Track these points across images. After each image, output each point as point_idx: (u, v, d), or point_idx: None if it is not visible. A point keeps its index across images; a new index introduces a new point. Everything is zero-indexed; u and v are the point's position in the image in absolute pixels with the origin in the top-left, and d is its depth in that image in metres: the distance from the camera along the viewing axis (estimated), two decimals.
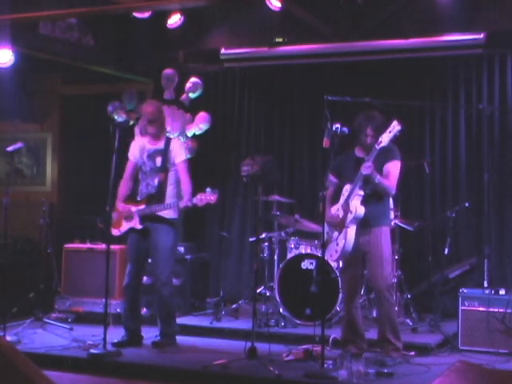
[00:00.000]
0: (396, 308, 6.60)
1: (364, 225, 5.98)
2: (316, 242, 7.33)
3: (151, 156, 6.60)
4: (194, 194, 6.29)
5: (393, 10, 7.87)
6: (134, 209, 6.52)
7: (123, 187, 6.65)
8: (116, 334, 6.63)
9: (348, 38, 8.04)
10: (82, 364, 6.05)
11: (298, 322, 7.16)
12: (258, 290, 7.22)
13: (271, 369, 5.61)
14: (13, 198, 6.99)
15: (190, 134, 8.21)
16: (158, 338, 6.61)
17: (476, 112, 7.98)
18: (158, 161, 6.56)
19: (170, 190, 6.54)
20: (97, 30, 8.34)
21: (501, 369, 5.73)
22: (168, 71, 8.32)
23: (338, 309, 7.04)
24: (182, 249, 7.95)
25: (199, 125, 8.20)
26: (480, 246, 7.68)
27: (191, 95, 8.31)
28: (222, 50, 8.63)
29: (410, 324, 7.05)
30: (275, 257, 7.63)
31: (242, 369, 5.75)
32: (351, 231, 5.94)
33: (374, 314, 7.02)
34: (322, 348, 5.60)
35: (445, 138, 8.14)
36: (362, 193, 5.93)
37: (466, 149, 8.05)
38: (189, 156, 7.25)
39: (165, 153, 6.55)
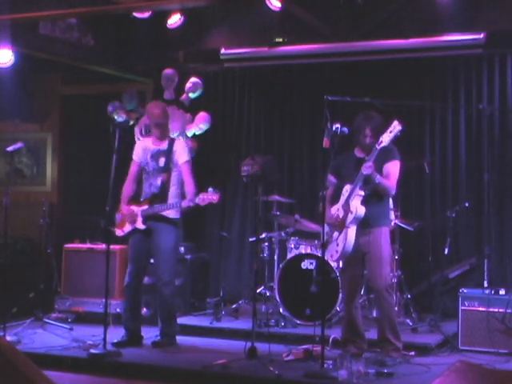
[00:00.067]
0: (396, 308, 6.60)
1: (364, 225, 5.97)
2: (316, 242, 7.33)
3: (154, 156, 6.60)
4: (196, 195, 6.29)
5: (393, 10, 7.87)
6: (137, 210, 6.53)
7: (127, 189, 6.66)
8: (116, 333, 6.62)
9: (348, 37, 8.04)
10: (81, 364, 6.04)
11: (298, 321, 7.16)
12: (258, 290, 7.21)
13: (271, 369, 5.61)
14: (13, 198, 6.99)
15: (190, 133, 8.20)
16: (159, 337, 6.61)
17: (476, 112, 7.98)
18: (162, 161, 6.56)
19: (172, 190, 6.54)
20: (97, 30, 8.34)
21: (501, 369, 5.73)
22: (168, 71, 8.32)
23: (337, 309, 7.03)
24: (182, 249, 7.94)
25: (199, 125, 8.19)
26: (480, 246, 7.68)
27: (191, 95, 8.31)
28: (222, 50, 8.63)
29: (410, 324, 7.05)
30: (275, 257, 7.63)
31: (242, 369, 5.75)
32: (351, 231, 5.94)
33: (374, 314, 6.99)
34: (322, 348, 5.60)
35: (445, 138, 8.14)
36: (362, 193, 5.93)
37: (466, 149, 8.05)
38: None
39: (168, 153, 6.55)
